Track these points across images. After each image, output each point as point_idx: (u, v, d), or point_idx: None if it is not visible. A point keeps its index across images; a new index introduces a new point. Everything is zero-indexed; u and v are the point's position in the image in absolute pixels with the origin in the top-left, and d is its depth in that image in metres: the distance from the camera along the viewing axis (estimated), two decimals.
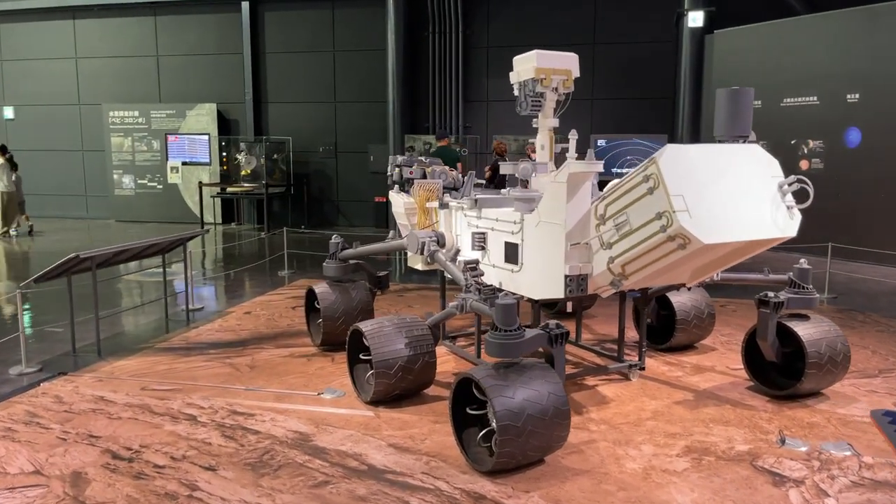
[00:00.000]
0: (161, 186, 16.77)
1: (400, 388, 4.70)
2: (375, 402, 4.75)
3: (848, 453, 4.05)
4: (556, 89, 5.47)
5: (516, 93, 5.59)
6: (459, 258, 5.12)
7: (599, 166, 4.24)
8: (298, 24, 15.98)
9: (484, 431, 3.90)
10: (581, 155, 4.54)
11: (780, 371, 5.10)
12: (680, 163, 3.85)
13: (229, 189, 15.88)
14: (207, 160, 16.30)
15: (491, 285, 4.52)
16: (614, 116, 14.68)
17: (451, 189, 5.97)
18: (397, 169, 6.14)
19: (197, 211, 15.76)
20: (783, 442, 4.21)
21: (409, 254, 5.75)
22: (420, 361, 4.68)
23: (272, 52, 16.19)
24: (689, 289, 5.59)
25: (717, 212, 3.83)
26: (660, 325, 6.23)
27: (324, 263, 6.17)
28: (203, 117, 16.38)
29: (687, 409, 4.76)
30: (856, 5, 10.91)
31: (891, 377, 5.44)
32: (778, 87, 11.72)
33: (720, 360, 5.92)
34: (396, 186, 6.19)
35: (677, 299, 6.01)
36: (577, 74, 5.53)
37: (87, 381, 5.26)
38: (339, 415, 4.63)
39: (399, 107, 15.04)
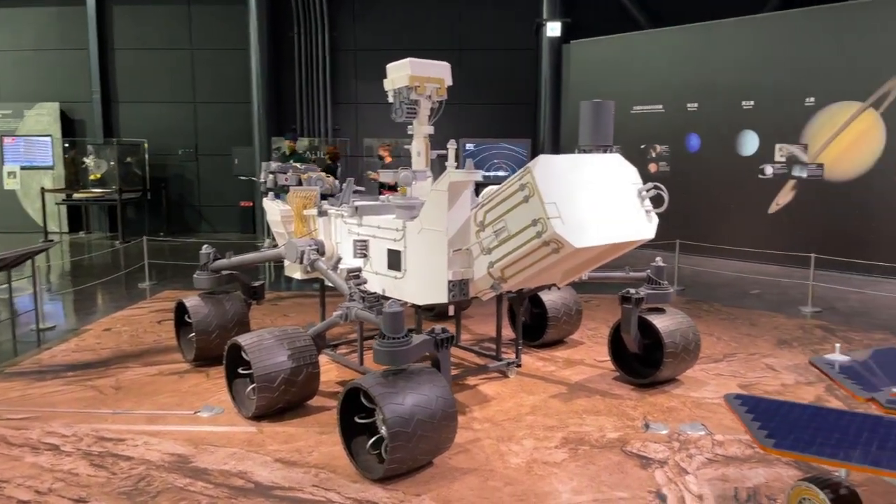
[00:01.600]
0: None
1: (283, 401, 4.61)
2: (258, 417, 4.62)
3: (702, 433, 4.49)
4: (430, 97, 5.61)
5: (391, 100, 5.66)
6: (341, 266, 5.09)
7: (478, 175, 4.39)
8: (151, 20, 15.07)
9: (373, 439, 3.93)
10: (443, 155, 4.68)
11: (641, 361, 5.53)
12: (552, 172, 4.08)
13: (76, 195, 14.69)
14: (50, 164, 14.99)
15: (374, 293, 4.55)
16: (481, 121, 15.13)
17: (328, 196, 5.92)
18: (271, 175, 5.99)
19: (39, 219, 14.45)
20: (647, 427, 4.59)
21: (287, 262, 5.64)
22: (303, 373, 4.61)
23: (122, 49, 15.15)
24: (559, 288, 5.91)
25: (585, 217, 4.10)
26: (533, 322, 6.54)
27: (194, 275, 5.90)
28: (44, 117, 15.03)
29: (562, 402, 5.04)
30: (694, 22, 11.99)
31: (734, 361, 6.07)
32: (628, 95, 12.62)
33: (588, 353, 6.31)
34: (271, 193, 6.04)
35: (548, 297, 6.34)
36: (450, 83, 5.70)
37: None
38: (220, 433, 4.46)
39: (264, 108, 14.62)
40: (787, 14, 11.17)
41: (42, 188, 14.34)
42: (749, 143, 11.30)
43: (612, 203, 4.31)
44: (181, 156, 15.42)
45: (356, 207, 5.20)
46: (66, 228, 15.22)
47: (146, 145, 15.05)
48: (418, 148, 5.72)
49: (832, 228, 10.38)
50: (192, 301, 5.74)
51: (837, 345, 3.84)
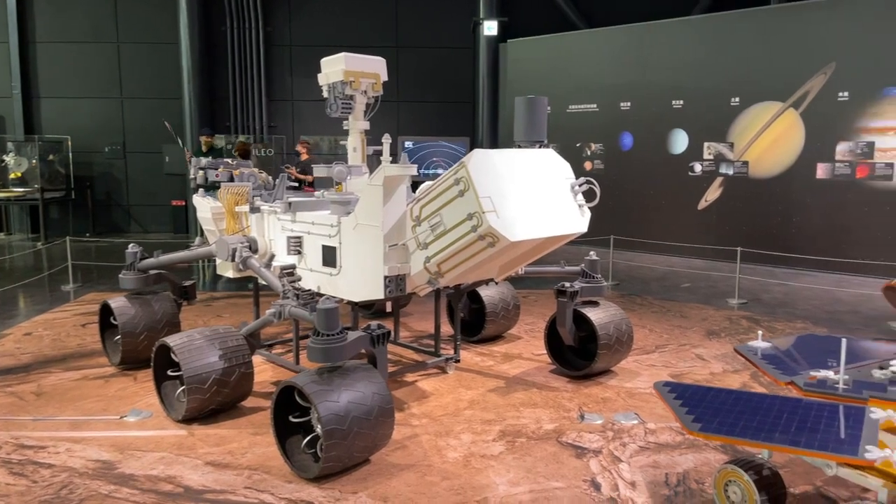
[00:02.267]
0: None
1: (215, 402, 4.48)
2: (188, 420, 4.48)
3: (635, 422, 4.59)
4: (366, 92, 5.57)
5: (326, 94, 5.59)
6: (274, 263, 4.99)
7: (413, 169, 4.37)
8: (75, 13, 14.42)
9: (308, 438, 3.87)
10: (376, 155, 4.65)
11: (577, 353, 5.63)
12: (487, 166, 4.10)
13: None
14: None
15: (309, 290, 4.47)
16: (419, 119, 15.12)
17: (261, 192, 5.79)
18: (201, 171, 5.82)
19: None
20: (582, 418, 4.67)
21: (219, 261, 5.49)
22: (236, 373, 4.50)
23: (44, 42, 14.44)
24: (497, 283, 5.95)
25: (520, 211, 4.13)
26: (471, 318, 6.57)
27: (120, 275, 5.67)
28: None
29: (500, 396, 5.07)
30: (626, 23, 12.29)
31: (665, 352, 6.24)
32: (564, 94, 12.83)
33: (526, 347, 6.38)
34: (201, 190, 5.87)
35: (486, 293, 6.37)
36: (386, 78, 5.67)
37: None
38: (148, 437, 4.30)
39: (196, 104, 14.21)
40: (714, 17, 11.57)
41: None
42: (679, 141, 11.65)
43: (547, 197, 4.36)
44: (108, 153, 14.83)
45: (290, 203, 5.10)
46: None
47: (70, 142, 14.42)
48: (354, 144, 5.67)
49: (756, 223, 10.81)
50: (117, 302, 5.52)
51: (760, 332, 3.98)
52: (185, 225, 14.64)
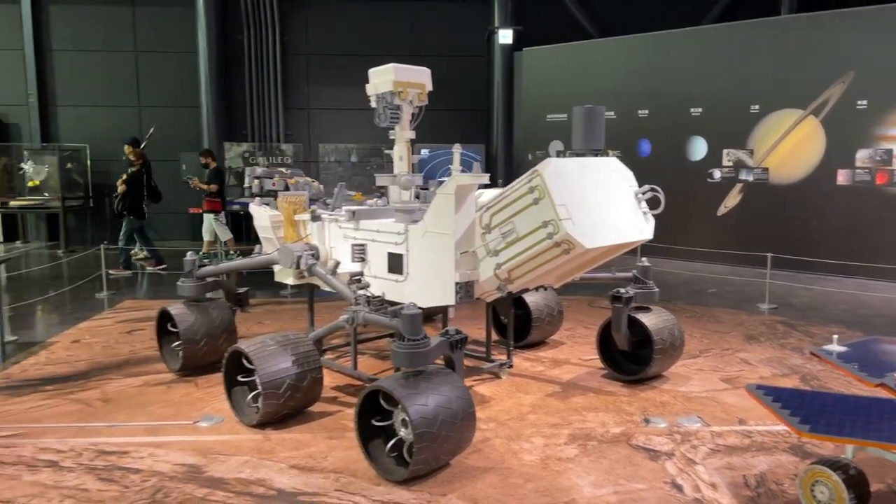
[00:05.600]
0: None
1: (288, 407, 4.55)
2: (261, 425, 4.55)
3: (699, 425, 4.68)
4: (412, 102, 5.67)
5: (374, 105, 5.68)
6: (339, 270, 5.07)
7: (485, 178, 4.47)
8: (91, 21, 14.47)
9: (392, 441, 3.94)
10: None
11: (628, 358, 5.72)
12: (561, 175, 4.20)
13: (13, 203, 13.95)
14: None
15: (379, 296, 4.55)
16: (433, 126, 15.14)
17: (315, 200, 5.88)
18: (256, 180, 5.90)
19: None
20: (647, 421, 4.76)
21: (277, 268, 5.57)
22: (308, 378, 4.56)
23: (61, 50, 14.50)
24: (551, 289, 6.04)
25: (593, 218, 4.24)
26: (515, 323, 6.63)
27: (178, 282, 5.74)
28: None
29: (559, 401, 5.16)
30: (639, 32, 12.44)
31: (710, 356, 6.34)
32: (579, 102, 12.68)
33: (572, 352, 6.47)
34: (257, 199, 5.95)
35: (531, 299, 6.46)
36: (431, 88, 5.78)
37: None
38: (226, 441, 4.37)
39: (213, 113, 14.28)
40: (726, 26, 11.74)
41: None
42: (698, 148, 11.80)
43: (615, 204, 4.47)
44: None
45: (353, 212, 5.19)
46: (0, 238, 14.43)
47: (88, 150, 14.45)
48: (400, 153, 5.75)
49: (776, 229, 10.95)
50: (177, 309, 5.58)
51: (835, 336, 4.09)
52: (199, 232, 14.65)
